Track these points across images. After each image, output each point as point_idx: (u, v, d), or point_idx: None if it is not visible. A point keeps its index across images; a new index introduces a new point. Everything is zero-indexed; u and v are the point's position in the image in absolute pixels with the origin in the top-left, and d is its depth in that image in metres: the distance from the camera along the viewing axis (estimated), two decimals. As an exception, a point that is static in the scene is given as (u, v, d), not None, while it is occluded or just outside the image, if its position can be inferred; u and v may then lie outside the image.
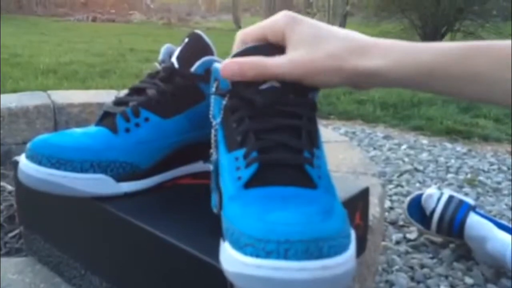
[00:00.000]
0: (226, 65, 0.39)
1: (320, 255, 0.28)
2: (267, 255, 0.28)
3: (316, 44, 0.38)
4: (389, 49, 0.37)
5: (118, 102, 0.49)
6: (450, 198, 0.88)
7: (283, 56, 0.39)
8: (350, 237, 0.32)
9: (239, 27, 10.57)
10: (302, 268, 0.27)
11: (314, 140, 0.38)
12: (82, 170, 0.44)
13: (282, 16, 0.41)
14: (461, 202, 0.87)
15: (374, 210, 0.64)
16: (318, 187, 0.35)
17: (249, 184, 0.35)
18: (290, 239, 0.28)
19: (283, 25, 0.40)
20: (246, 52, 0.40)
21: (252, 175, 0.35)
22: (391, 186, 1.19)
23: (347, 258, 0.29)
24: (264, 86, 0.38)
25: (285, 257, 0.27)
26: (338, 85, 0.39)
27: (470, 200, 0.88)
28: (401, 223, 0.97)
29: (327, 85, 0.39)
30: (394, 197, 1.12)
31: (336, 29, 0.40)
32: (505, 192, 1.17)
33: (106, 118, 0.49)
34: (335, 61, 0.37)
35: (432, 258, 0.85)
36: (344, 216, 0.33)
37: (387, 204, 1.06)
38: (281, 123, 0.37)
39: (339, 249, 0.29)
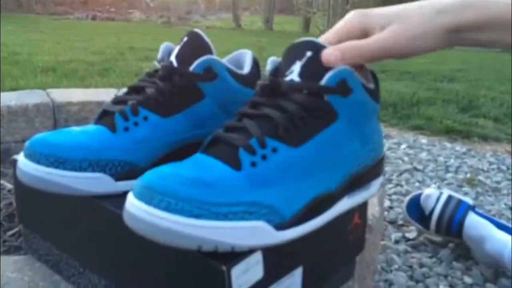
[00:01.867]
0: (327, 53, 0.40)
1: (149, 202, 0.33)
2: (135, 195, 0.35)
3: (402, 17, 0.40)
4: (482, 4, 0.39)
5: (117, 101, 0.49)
6: (449, 197, 0.88)
7: (378, 36, 0.40)
8: (192, 214, 0.33)
9: (239, 26, 10.56)
10: (135, 205, 0.34)
11: (288, 136, 0.39)
12: (81, 169, 0.44)
13: (353, 15, 0.43)
14: (460, 201, 0.87)
15: (373, 209, 0.64)
16: (242, 170, 0.37)
17: (203, 150, 0.41)
18: (146, 185, 0.34)
19: (357, 22, 0.42)
20: None
21: (206, 144, 0.41)
22: (390, 185, 1.19)
23: (173, 219, 0.32)
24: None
25: (134, 194, 0.35)
26: (434, 47, 0.40)
27: (469, 200, 0.88)
28: (400, 222, 0.97)
29: (424, 50, 0.40)
30: (394, 197, 1.12)
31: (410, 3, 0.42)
32: (504, 191, 1.17)
33: (104, 117, 0.48)
34: (427, 23, 0.39)
35: (431, 257, 0.85)
36: (218, 195, 0.34)
37: (387, 203, 1.06)
38: (262, 112, 0.40)
39: (172, 209, 0.33)
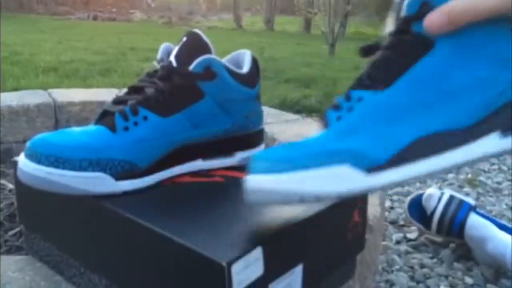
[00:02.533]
0: (431, 19, 0.34)
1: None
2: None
3: None
4: None
5: (117, 101, 0.49)
6: (451, 198, 0.88)
7: None
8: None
9: (240, 26, 10.56)
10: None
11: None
12: (81, 168, 0.44)
13: None
14: (461, 202, 0.87)
15: (374, 209, 0.64)
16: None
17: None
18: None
19: None
20: None
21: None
22: (391, 185, 1.19)
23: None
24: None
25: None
26: None
27: (470, 200, 0.88)
28: (401, 222, 0.97)
29: None
30: (395, 197, 1.11)
31: None
32: (506, 192, 1.17)
33: (105, 117, 0.49)
34: None
35: (432, 258, 0.85)
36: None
37: (388, 203, 1.06)
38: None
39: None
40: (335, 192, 0.34)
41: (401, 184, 0.35)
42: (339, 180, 0.34)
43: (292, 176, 0.34)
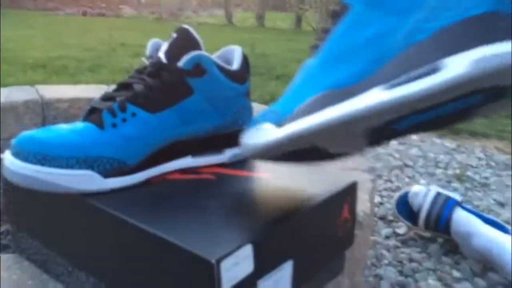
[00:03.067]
0: None
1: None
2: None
3: None
4: None
5: (105, 98, 0.49)
6: (437, 194, 0.89)
7: None
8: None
9: (231, 22, 10.53)
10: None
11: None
12: (68, 166, 0.44)
13: None
14: (447, 198, 0.88)
15: (364, 205, 0.65)
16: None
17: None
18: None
19: None
20: None
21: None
22: (381, 181, 1.20)
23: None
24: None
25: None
26: None
27: (457, 196, 0.89)
28: (390, 218, 0.98)
29: None
30: (384, 192, 1.12)
31: None
32: (493, 187, 1.18)
33: (92, 113, 0.48)
34: None
35: (420, 252, 0.86)
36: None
37: (377, 199, 1.07)
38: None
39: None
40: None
41: (306, 135, 0.35)
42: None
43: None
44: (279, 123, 0.37)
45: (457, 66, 0.28)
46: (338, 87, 0.34)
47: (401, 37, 0.32)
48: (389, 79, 0.31)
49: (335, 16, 0.38)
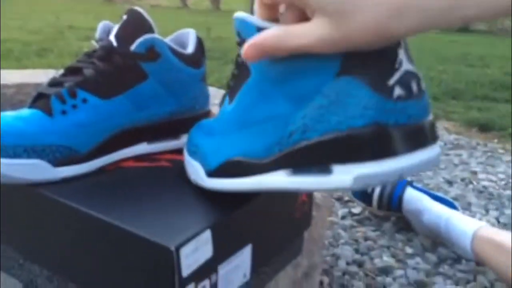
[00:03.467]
0: (246, 47, 0.33)
1: None
2: None
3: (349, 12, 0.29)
4: None
5: (53, 83, 0.47)
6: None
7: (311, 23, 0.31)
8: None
9: (186, 5, 10.33)
10: None
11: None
12: (16, 155, 0.42)
13: None
14: (398, 178, 0.91)
15: (320, 187, 0.66)
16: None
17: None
18: None
19: None
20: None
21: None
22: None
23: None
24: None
25: None
26: (406, 34, 0.30)
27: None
28: (346, 198, 1.00)
29: (395, 38, 0.30)
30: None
31: None
32: (442, 166, 1.24)
33: (40, 100, 0.46)
34: None
35: (375, 230, 0.89)
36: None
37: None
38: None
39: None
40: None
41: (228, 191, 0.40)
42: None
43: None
44: (208, 171, 0.41)
45: (342, 177, 0.32)
46: (248, 156, 0.37)
47: (297, 127, 0.34)
48: (290, 164, 0.34)
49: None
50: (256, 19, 0.34)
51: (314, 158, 0.33)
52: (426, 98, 0.32)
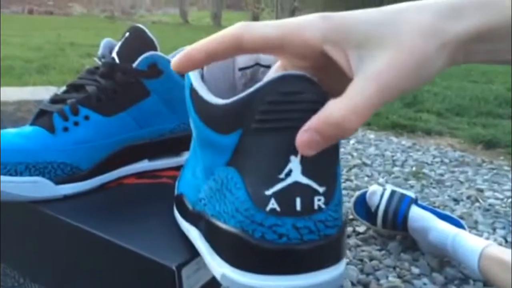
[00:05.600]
0: (301, 140, 0.25)
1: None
2: None
3: (393, 33, 0.25)
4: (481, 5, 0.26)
5: (55, 100, 0.46)
6: (392, 193, 0.90)
7: (360, 83, 0.24)
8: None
9: (187, 21, 10.43)
10: None
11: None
12: (17, 173, 0.41)
13: (310, 22, 0.25)
14: (402, 196, 0.89)
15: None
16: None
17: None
18: None
19: (320, 36, 0.25)
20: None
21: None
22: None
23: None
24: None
25: None
26: (439, 71, 0.26)
27: (411, 194, 0.91)
28: (351, 216, 0.98)
29: (428, 80, 0.26)
30: (344, 191, 1.13)
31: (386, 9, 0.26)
32: (448, 183, 1.22)
33: (42, 117, 0.45)
34: (433, 37, 0.25)
35: (380, 250, 0.87)
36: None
37: (336, 198, 1.07)
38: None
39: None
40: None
41: None
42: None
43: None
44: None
45: (216, 267, 0.29)
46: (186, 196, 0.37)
47: (202, 196, 0.33)
48: (199, 228, 0.34)
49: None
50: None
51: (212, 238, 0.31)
52: (321, 217, 0.27)
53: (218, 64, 0.34)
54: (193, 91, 0.31)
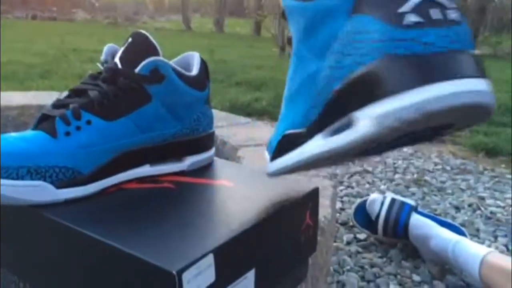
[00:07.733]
0: None
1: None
2: None
3: None
4: None
5: (58, 105, 0.47)
6: (392, 201, 0.90)
7: None
8: None
9: (189, 28, 10.47)
10: None
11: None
12: (18, 177, 0.41)
13: None
14: (403, 204, 0.89)
15: (325, 211, 0.65)
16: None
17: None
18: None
19: None
20: None
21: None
22: (341, 187, 1.21)
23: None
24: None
25: None
26: None
27: (411, 201, 0.91)
28: (351, 223, 0.98)
29: None
30: (345, 198, 1.13)
31: None
32: (449, 191, 1.22)
33: (44, 121, 0.46)
34: None
35: (381, 257, 0.87)
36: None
37: (338, 205, 1.08)
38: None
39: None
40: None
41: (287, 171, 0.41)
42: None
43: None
44: (270, 157, 0.43)
45: (364, 123, 0.29)
46: (294, 127, 0.38)
47: (325, 82, 0.32)
48: (323, 127, 0.33)
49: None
50: None
51: (338, 112, 0.31)
52: (457, 28, 0.28)
53: None
54: None
